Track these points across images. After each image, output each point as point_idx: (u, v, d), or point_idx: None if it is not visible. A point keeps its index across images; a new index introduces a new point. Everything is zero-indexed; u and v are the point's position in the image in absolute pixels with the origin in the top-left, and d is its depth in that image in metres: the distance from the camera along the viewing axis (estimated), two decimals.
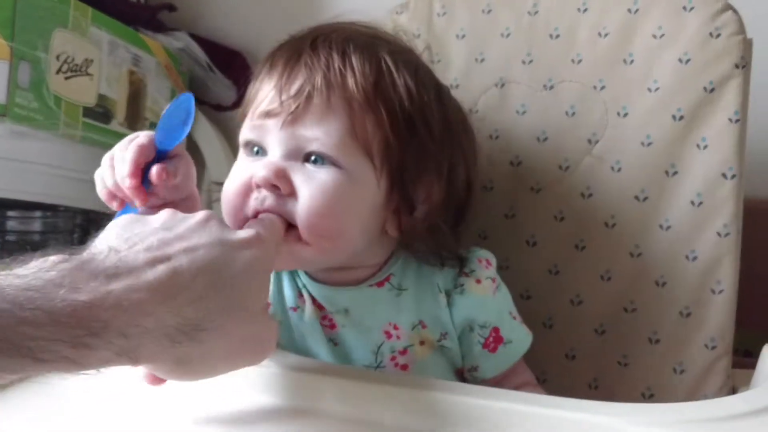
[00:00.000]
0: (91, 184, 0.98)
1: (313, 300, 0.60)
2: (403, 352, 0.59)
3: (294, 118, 0.55)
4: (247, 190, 0.55)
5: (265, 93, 0.57)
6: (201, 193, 1.14)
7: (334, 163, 0.55)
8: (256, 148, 0.58)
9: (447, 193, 0.60)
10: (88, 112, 0.92)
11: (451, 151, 0.61)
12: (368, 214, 0.57)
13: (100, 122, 0.95)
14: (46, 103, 0.85)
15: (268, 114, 0.56)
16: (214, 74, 1.16)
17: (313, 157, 0.55)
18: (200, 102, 1.19)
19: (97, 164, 1.02)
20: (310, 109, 0.55)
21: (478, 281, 0.61)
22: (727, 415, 0.46)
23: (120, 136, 0.97)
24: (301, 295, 0.61)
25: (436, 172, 0.59)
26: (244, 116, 0.61)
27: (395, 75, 0.58)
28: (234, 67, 1.17)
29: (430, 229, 0.60)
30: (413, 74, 0.59)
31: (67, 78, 0.89)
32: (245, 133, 0.59)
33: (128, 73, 1.00)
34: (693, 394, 0.69)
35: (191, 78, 1.15)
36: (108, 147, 0.95)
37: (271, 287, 0.61)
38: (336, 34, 0.59)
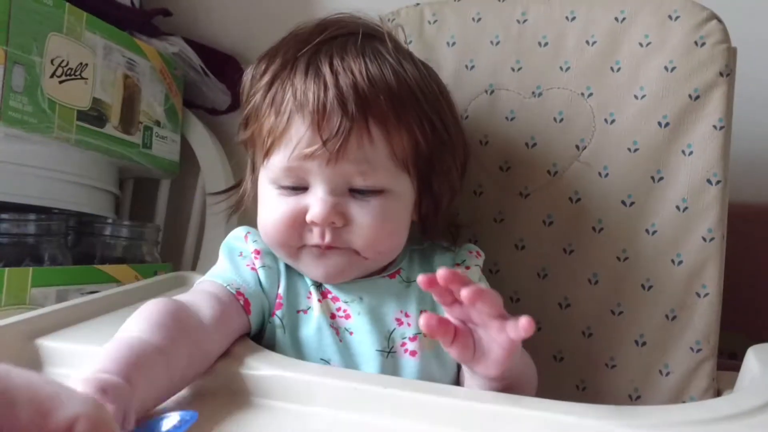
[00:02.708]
0: (85, 187, 0.99)
1: (324, 295, 0.62)
2: (413, 338, 0.61)
3: (339, 155, 0.57)
4: (295, 225, 0.59)
5: (298, 133, 0.58)
6: (194, 197, 1.15)
7: (379, 191, 0.59)
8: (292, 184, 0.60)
9: (460, 157, 0.67)
10: (82, 115, 0.93)
11: (459, 136, 0.67)
12: (408, 217, 0.64)
13: (95, 126, 0.95)
14: (41, 106, 0.86)
15: (310, 156, 0.57)
16: (209, 78, 1.17)
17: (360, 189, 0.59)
18: (195, 106, 1.20)
19: (91, 167, 1.03)
20: (352, 143, 0.57)
21: (468, 268, 0.66)
22: (711, 418, 0.47)
23: (114, 140, 0.98)
24: (309, 295, 0.63)
25: (453, 158, 0.65)
26: (251, 141, 0.63)
27: (409, 77, 0.61)
28: (228, 71, 1.17)
29: (442, 210, 0.66)
30: (418, 69, 0.63)
31: (61, 82, 0.89)
32: (280, 175, 0.59)
33: (123, 77, 1.01)
34: (679, 395, 0.70)
35: (186, 82, 1.16)
36: (102, 150, 0.96)
37: (282, 289, 0.62)
38: (340, 44, 0.61)
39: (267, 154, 0.60)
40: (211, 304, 0.56)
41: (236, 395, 0.51)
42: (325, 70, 0.58)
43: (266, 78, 0.62)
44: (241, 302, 0.59)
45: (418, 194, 0.64)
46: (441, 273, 0.46)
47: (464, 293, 0.46)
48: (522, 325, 0.45)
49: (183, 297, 0.57)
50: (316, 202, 0.58)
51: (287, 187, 0.60)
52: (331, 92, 0.57)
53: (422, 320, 0.48)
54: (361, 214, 0.58)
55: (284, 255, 0.62)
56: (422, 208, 0.65)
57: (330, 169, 0.57)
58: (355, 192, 0.59)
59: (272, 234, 0.61)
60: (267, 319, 0.62)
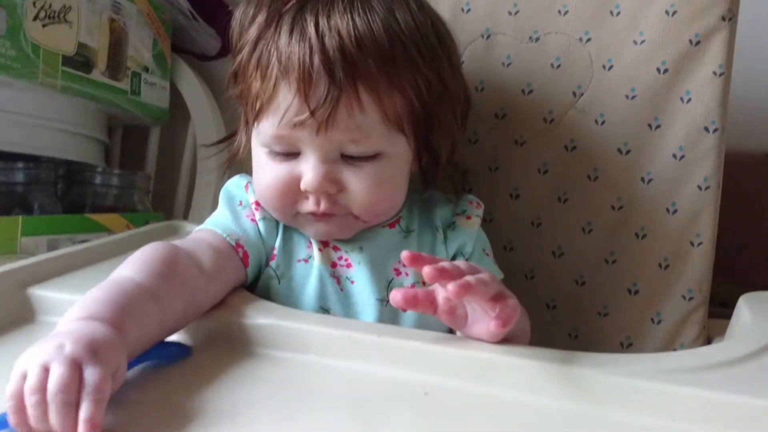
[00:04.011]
0: (73, 134, 0.97)
1: (325, 244, 0.62)
2: (412, 287, 0.61)
3: (328, 124, 0.54)
4: (290, 192, 0.58)
5: (285, 100, 0.55)
6: (185, 145, 1.14)
7: (373, 155, 0.57)
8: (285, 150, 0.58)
9: (461, 109, 0.65)
10: (67, 60, 0.90)
11: (459, 88, 0.64)
12: (406, 176, 0.62)
13: (81, 71, 0.93)
14: (24, 51, 0.84)
15: (299, 125, 0.55)
16: (198, 23, 1.14)
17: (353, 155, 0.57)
18: (184, 51, 1.17)
19: (79, 114, 1.01)
20: (341, 111, 0.54)
21: (468, 218, 0.66)
22: (703, 365, 0.47)
23: (101, 86, 0.96)
24: (309, 245, 0.62)
25: (452, 111, 0.63)
26: (241, 98, 0.60)
27: (403, 31, 0.57)
28: (218, 15, 1.14)
29: (452, 154, 0.65)
30: (414, 17, 0.58)
31: (44, 25, 0.87)
32: (270, 142, 0.58)
33: (108, 20, 0.98)
34: (670, 343, 0.71)
35: (174, 27, 1.13)
36: (90, 97, 0.95)
37: (278, 242, 0.62)
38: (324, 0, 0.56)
39: (256, 118, 0.58)
40: (210, 255, 0.55)
41: (232, 344, 0.52)
42: (310, 30, 0.54)
43: (252, 32, 0.59)
44: (240, 254, 0.59)
45: (417, 149, 0.62)
46: (427, 271, 0.45)
47: (451, 289, 0.44)
48: (492, 327, 0.46)
49: (181, 244, 0.56)
50: (308, 170, 0.56)
51: (279, 152, 0.58)
52: (317, 57, 0.53)
53: (391, 298, 0.46)
54: (356, 180, 0.57)
55: (281, 218, 0.62)
56: (422, 161, 0.64)
57: (321, 138, 0.55)
58: (348, 157, 0.57)
59: (267, 200, 0.60)
60: (262, 270, 0.61)
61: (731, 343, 0.57)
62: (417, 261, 0.46)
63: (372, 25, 0.55)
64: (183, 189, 1.13)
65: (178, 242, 0.56)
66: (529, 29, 0.76)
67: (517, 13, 0.76)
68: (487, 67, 0.76)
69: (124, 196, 1.03)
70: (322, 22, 0.55)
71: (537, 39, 0.75)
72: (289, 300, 0.60)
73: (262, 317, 0.52)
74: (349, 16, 0.55)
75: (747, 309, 0.61)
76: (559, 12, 0.75)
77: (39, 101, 0.91)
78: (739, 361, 0.48)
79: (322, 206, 0.58)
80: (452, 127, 0.63)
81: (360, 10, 0.56)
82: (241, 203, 0.63)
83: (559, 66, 0.74)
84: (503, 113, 0.76)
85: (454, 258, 0.64)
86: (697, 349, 0.56)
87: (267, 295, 0.60)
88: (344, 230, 0.61)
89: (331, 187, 0.57)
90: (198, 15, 1.14)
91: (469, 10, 0.78)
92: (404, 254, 0.46)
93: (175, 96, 1.13)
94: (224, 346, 0.51)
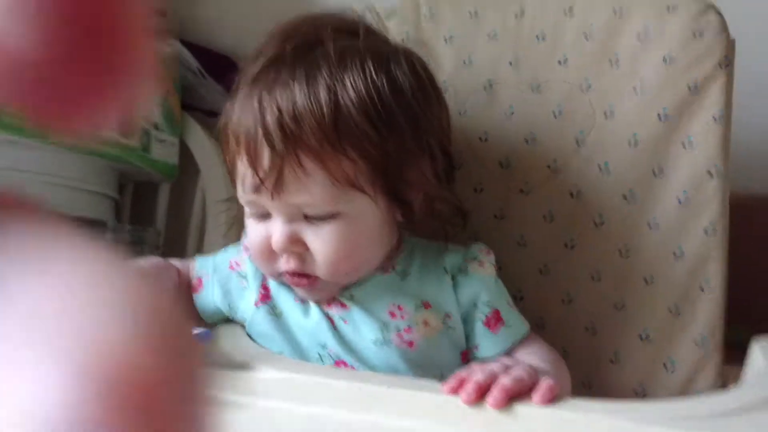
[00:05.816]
0: (83, 191, 0.99)
1: None
2: (408, 330, 0.61)
3: (277, 190, 0.57)
4: (269, 251, 0.60)
5: (243, 169, 0.59)
6: (194, 201, 1.15)
7: (331, 215, 0.58)
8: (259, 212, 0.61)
9: (432, 167, 0.63)
10: None
11: (421, 130, 0.62)
12: (376, 233, 0.62)
13: None
14: None
15: (255, 190, 0.59)
16: (206, 80, 1.17)
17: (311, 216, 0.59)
18: (193, 108, 1.19)
19: (89, 172, 1.03)
20: (287, 177, 0.57)
21: (481, 263, 0.65)
22: (717, 412, 0.46)
23: (112, 144, 0.98)
24: None
25: (418, 158, 0.62)
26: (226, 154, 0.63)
27: (349, 97, 0.57)
28: (226, 72, 1.16)
29: (430, 204, 0.64)
30: (367, 80, 0.58)
31: None
32: (244, 203, 0.62)
33: None
34: (684, 390, 0.70)
35: (183, 85, 1.16)
36: (100, 154, 0.96)
37: (271, 282, 0.65)
38: (274, 69, 0.59)
39: (233, 184, 0.63)
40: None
41: (240, 397, 0.51)
42: (255, 105, 0.58)
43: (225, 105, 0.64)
44: (194, 281, 0.68)
45: (388, 203, 0.61)
46: (464, 398, 0.48)
47: (492, 402, 0.47)
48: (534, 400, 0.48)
49: (178, 264, 0.70)
50: (276, 230, 0.59)
51: (255, 213, 0.61)
52: (260, 130, 0.57)
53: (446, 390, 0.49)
54: (316, 241, 0.59)
55: (269, 276, 0.65)
56: (404, 212, 0.63)
57: (277, 202, 0.58)
58: (310, 217, 0.59)
59: (253, 258, 0.64)
60: (238, 308, 0.66)
61: (744, 389, 0.56)
62: (460, 387, 0.49)
63: (311, 98, 0.57)
64: (192, 244, 1.14)
65: (175, 261, 0.70)
66: (530, 79, 0.77)
67: (517, 64, 0.78)
68: (490, 117, 0.78)
69: (134, 251, 1.04)
70: (265, 97, 0.58)
71: (538, 88, 0.77)
72: (287, 334, 0.63)
73: (272, 370, 0.52)
74: (289, 90, 0.57)
75: (761, 353, 0.60)
76: (559, 62, 0.76)
77: (50, 159, 0.92)
78: (752, 407, 0.47)
79: (292, 264, 0.60)
80: (421, 182, 0.62)
81: (303, 82, 0.57)
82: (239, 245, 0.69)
83: (560, 114, 0.75)
84: (507, 162, 0.76)
85: (468, 310, 0.63)
86: (710, 396, 0.55)
87: (266, 329, 0.63)
88: (325, 292, 0.62)
89: (296, 246, 0.59)
90: (206, 72, 1.16)
91: (470, 62, 0.79)
92: (446, 389, 0.49)
93: (184, 152, 1.15)
94: (232, 399, 0.51)
